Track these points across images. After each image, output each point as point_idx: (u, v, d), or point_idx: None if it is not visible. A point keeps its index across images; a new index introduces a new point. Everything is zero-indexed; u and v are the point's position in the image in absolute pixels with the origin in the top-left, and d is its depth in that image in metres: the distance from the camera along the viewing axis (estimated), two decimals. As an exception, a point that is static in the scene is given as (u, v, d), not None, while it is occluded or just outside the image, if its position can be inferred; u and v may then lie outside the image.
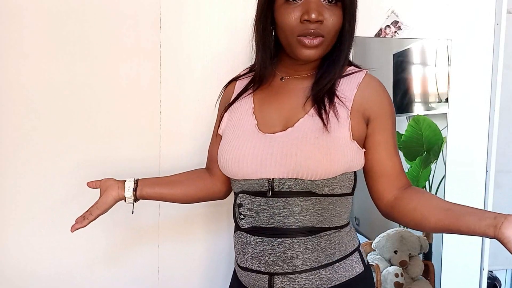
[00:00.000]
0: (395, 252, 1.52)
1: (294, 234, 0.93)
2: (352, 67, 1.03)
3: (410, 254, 1.52)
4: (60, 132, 1.33)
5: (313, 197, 0.93)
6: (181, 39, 1.34)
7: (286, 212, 0.93)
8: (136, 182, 1.07)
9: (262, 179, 0.94)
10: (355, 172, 1.00)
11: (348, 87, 0.99)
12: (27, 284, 1.36)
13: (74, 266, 1.36)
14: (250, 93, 1.04)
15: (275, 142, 0.94)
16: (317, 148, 0.90)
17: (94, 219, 1.06)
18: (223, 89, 1.11)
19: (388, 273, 1.51)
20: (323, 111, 0.94)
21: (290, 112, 0.97)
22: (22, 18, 1.29)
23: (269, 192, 0.93)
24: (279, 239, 0.93)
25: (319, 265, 0.94)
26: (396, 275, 1.50)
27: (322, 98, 0.96)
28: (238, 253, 1.00)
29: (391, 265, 1.52)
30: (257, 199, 0.95)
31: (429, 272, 1.54)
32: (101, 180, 1.08)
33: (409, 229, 1.54)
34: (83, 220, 1.05)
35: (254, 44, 1.02)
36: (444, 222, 0.86)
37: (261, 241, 0.94)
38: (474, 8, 1.43)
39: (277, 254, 0.93)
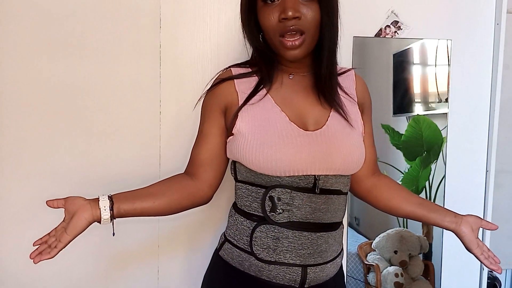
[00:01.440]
0: (395, 252, 1.52)
1: (329, 228, 1.01)
2: (340, 67, 1.10)
3: (410, 254, 1.52)
4: (60, 132, 1.33)
5: (341, 195, 1.03)
6: (181, 39, 1.34)
7: (325, 208, 0.99)
8: (111, 199, 0.95)
9: (309, 175, 0.97)
10: None
11: (349, 84, 1.09)
12: (27, 283, 1.36)
13: (73, 266, 1.36)
14: (266, 93, 1.02)
15: (319, 140, 0.97)
16: (353, 143, 1.00)
17: (64, 247, 0.92)
18: (213, 87, 1.06)
19: (388, 273, 1.51)
20: (339, 108, 1.02)
21: (314, 110, 1.02)
22: (22, 18, 1.29)
23: (316, 189, 0.97)
24: (318, 233, 0.99)
25: (337, 254, 1.05)
26: (396, 275, 1.50)
27: (333, 95, 1.03)
28: (264, 247, 0.98)
29: (391, 265, 1.52)
30: (299, 194, 0.97)
31: (429, 272, 1.54)
32: (65, 198, 0.94)
33: (409, 229, 1.54)
34: (51, 251, 0.91)
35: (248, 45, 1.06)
36: (415, 213, 1.10)
37: (300, 235, 0.97)
38: (474, 8, 1.43)
39: (315, 247, 0.98)
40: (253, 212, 1.00)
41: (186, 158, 1.36)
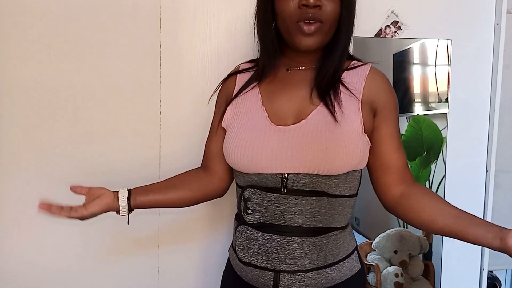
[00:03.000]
0: (395, 252, 1.52)
1: (304, 233, 0.93)
2: (355, 61, 1.03)
3: (410, 254, 1.52)
4: (60, 132, 1.33)
5: (325, 198, 0.93)
6: (181, 39, 1.34)
7: (298, 210, 0.92)
8: (129, 191, 1.03)
9: (275, 174, 0.92)
10: (360, 172, 1.00)
11: (356, 80, 0.99)
12: (27, 284, 1.36)
13: (73, 266, 1.36)
14: (255, 85, 1.02)
15: (290, 134, 0.92)
16: (332, 141, 0.90)
17: (76, 218, 0.97)
18: (222, 82, 1.10)
19: (388, 273, 1.51)
20: (329, 103, 0.94)
21: (301, 104, 0.96)
22: (22, 18, 1.29)
23: (283, 189, 0.92)
24: (288, 238, 0.92)
25: (325, 264, 0.95)
26: (396, 275, 1.50)
27: (327, 90, 0.96)
28: (241, 247, 0.99)
29: (391, 265, 1.52)
30: (268, 195, 0.93)
31: (429, 272, 1.54)
32: (90, 187, 1.01)
33: (409, 229, 1.54)
34: (61, 211, 0.97)
35: (256, 36, 1.02)
36: (451, 228, 0.89)
37: (269, 238, 0.93)
38: (474, 8, 1.43)
39: (286, 252, 0.92)
40: (238, 212, 1.02)
41: (186, 158, 1.36)
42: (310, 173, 0.91)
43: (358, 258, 1.03)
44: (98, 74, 1.33)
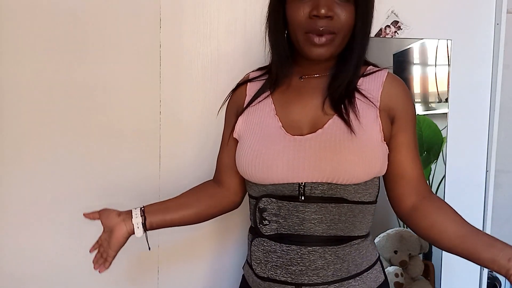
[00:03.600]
0: (395, 252, 1.52)
1: (325, 242, 0.88)
2: (371, 67, 0.99)
3: (410, 254, 1.52)
4: (60, 132, 1.33)
5: (345, 204, 0.89)
6: (181, 39, 1.34)
7: (318, 218, 0.88)
8: (143, 213, 1.00)
9: (292, 183, 0.89)
10: (379, 178, 0.97)
11: (373, 86, 0.95)
12: (27, 284, 1.36)
13: (72, 266, 1.36)
14: (268, 95, 0.98)
15: (306, 144, 0.89)
16: (352, 150, 0.87)
17: (113, 260, 1.01)
18: (231, 93, 1.06)
19: (388, 273, 1.51)
20: (344, 112, 0.90)
21: (316, 113, 0.92)
22: (22, 18, 1.29)
23: (300, 197, 0.88)
24: (309, 248, 0.88)
25: (348, 275, 0.91)
26: (396, 275, 1.49)
27: (342, 99, 0.92)
28: (257, 262, 0.93)
29: (391, 265, 1.52)
30: (284, 203, 0.89)
31: (429, 272, 1.54)
32: (100, 211, 1.02)
33: (409, 229, 1.53)
34: (105, 262, 1.01)
35: (268, 44, 0.98)
36: (457, 249, 0.89)
37: (288, 249, 0.88)
38: (474, 8, 1.43)
39: (307, 264, 0.87)
40: (252, 225, 0.97)
41: (186, 158, 1.36)
42: (328, 182, 0.88)
43: (381, 268, 0.99)
44: (98, 74, 1.33)
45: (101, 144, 1.34)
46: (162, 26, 1.34)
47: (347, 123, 0.89)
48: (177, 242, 1.40)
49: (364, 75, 0.97)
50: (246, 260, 1.02)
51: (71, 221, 1.34)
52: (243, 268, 1.05)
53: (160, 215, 1.01)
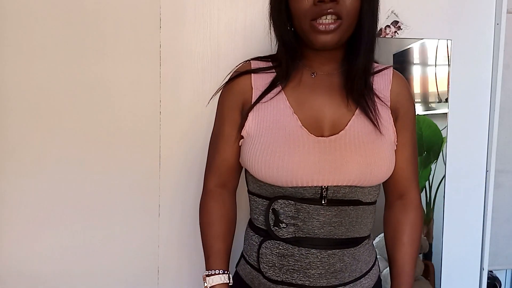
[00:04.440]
0: (395, 252, 1.51)
1: (344, 245, 0.88)
2: (376, 64, 0.98)
3: (410, 254, 1.52)
4: (60, 132, 1.33)
5: (361, 206, 0.90)
6: (181, 39, 1.34)
7: (337, 222, 0.87)
8: (228, 275, 0.96)
9: (315, 186, 0.86)
10: None
11: (382, 85, 0.95)
12: (27, 283, 1.36)
13: (73, 265, 1.36)
14: (280, 90, 0.93)
15: (331, 146, 0.86)
16: (375, 153, 0.87)
17: None
18: (229, 81, 0.99)
19: (388, 273, 1.50)
20: (369, 111, 0.89)
21: (335, 112, 0.90)
22: (21, 18, 1.29)
23: (324, 200, 0.86)
24: (329, 251, 0.87)
25: (361, 274, 0.92)
26: (396, 275, 1.49)
27: (362, 95, 0.90)
28: (270, 265, 0.90)
29: (391, 265, 1.52)
30: (304, 206, 0.87)
31: (429, 272, 1.54)
32: None
33: (409, 229, 1.53)
34: None
35: (273, 38, 0.95)
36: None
37: (308, 253, 0.86)
38: (474, 8, 1.43)
39: (326, 267, 0.87)
40: (260, 226, 0.93)
41: (186, 158, 1.36)
42: (352, 185, 0.87)
43: (378, 262, 1.02)
44: (98, 74, 1.32)
45: (101, 144, 1.34)
46: (162, 26, 1.34)
47: (373, 120, 0.88)
48: (177, 242, 1.39)
49: (374, 73, 0.95)
50: (244, 259, 0.99)
51: (71, 221, 1.34)
52: (236, 267, 1.03)
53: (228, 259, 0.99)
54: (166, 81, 1.35)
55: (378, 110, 0.90)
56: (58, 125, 1.32)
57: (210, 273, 0.93)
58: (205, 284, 0.92)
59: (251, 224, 0.99)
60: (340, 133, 0.88)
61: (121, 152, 1.35)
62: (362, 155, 0.85)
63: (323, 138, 0.88)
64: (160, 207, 1.38)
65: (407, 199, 0.98)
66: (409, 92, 0.98)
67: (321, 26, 0.85)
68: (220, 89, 1.01)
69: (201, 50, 1.35)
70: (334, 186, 0.86)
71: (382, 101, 0.92)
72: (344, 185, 0.86)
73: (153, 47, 1.34)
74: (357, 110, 0.90)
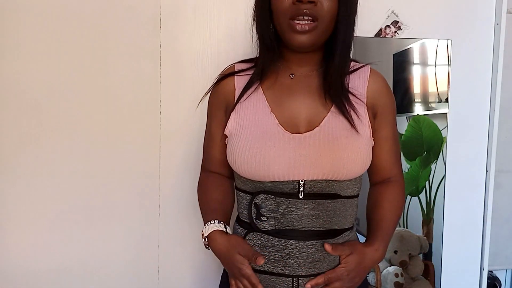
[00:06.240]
0: (395, 252, 1.52)
1: (322, 236, 0.93)
2: (353, 63, 1.02)
3: (410, 254, 1.52)
4: (60, 132, 1.33)
5: (339, 199, 0.94)
6: (181, 39, 1.34)
7: (315, 214, 0.92)
8: (225, 225, 0.97)
9: (292, 181, 0.91)
10: None
11: (358, 83, 0.99)
12: (27, 283, 1.36)
13: (73, 265, 1.36)
14: (257, 86, 0.99)
15: (306, 142, 0.91)
16: (350, 147, 0.91)
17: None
18: (215, 84, 1.06)
19: (388, 273, 1.51)
20: (344, 109, 0.94)
21: (311, 111, 0.95)
22: (21, 18, 1.29)
23: (300, 194, 0.91)
24: (307, 242, 0.92)
25: (338, 264, 0.96)
26: (396, 275, 1.50)
27: (338, 95, 0.95)
28: None
29: (391, 265, 1.52)
30: (283, 200, 0.92)
31: (429, 272, 1.54)
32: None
33: (409, 229, 1.54)
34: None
35: (255, 36, 0.99)
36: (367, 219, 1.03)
37: (287, 244, 0.92)
38: (474, 8, 1.43)
39: (305, 257, 0.92)
40: (245, 220, 0.99)
41: (186, 158, 1.36)
42: (327, 179, 0.91)
43: None
44: (98, 74, 1.32)
45: (101, 144, 1.34)
46: (162, 26, 1.34)
47: (349, 119, 0.93)
48: (177, 242, 1.39)
49: (349, 72, 1.00)
50: None
51: (71, 220, 1.34)
52: None
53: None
54: (166, 81, 1.35)
55: (354, 107, 0.95)
56: (58, 125, 1.33)
57: (206, 224, 0.97)
58: (204, 234, 0.96)
59: (237, 218, 1.04)
60: (314, 129, 0.93)
61: (121, 152, 1.35)
62: (335, 150, 0.90)
63: (298, 134, 0.93)
64: (160, 207, 1.38)
65: (390, 180, 1.05)
66: (387, 88, 1.03)
67: (298, 26, 0.89)
68: (209, 92, 1.07)
69: (201, 50, 1.35)
70: (311, 180, 0.91)
71: (358, 98, 0.97)
72: (319, 179, 0.91)
73: (153, 47, 1.34)
74: (332, 108, 0.95)
